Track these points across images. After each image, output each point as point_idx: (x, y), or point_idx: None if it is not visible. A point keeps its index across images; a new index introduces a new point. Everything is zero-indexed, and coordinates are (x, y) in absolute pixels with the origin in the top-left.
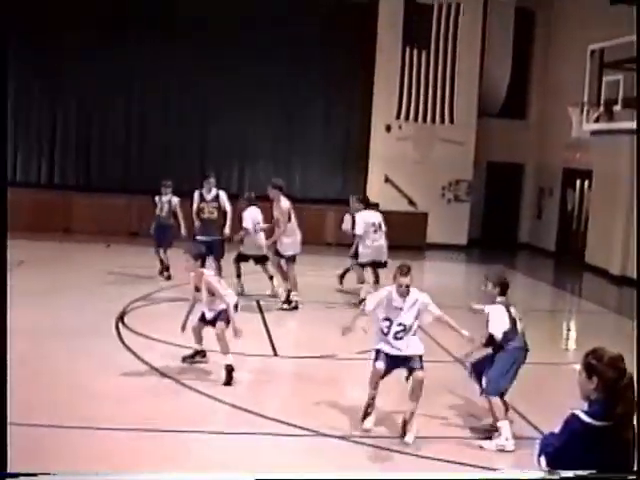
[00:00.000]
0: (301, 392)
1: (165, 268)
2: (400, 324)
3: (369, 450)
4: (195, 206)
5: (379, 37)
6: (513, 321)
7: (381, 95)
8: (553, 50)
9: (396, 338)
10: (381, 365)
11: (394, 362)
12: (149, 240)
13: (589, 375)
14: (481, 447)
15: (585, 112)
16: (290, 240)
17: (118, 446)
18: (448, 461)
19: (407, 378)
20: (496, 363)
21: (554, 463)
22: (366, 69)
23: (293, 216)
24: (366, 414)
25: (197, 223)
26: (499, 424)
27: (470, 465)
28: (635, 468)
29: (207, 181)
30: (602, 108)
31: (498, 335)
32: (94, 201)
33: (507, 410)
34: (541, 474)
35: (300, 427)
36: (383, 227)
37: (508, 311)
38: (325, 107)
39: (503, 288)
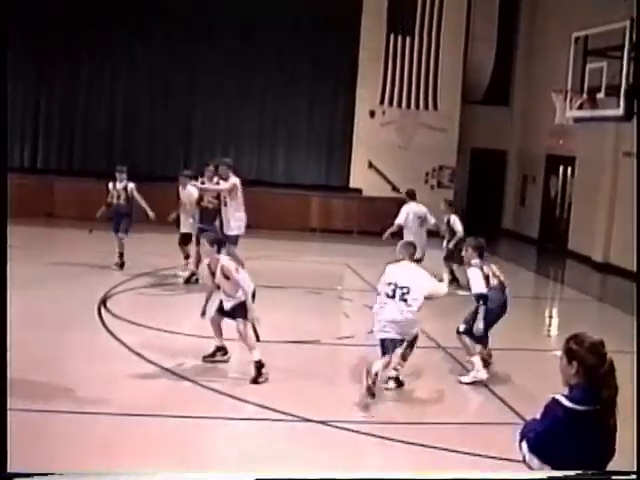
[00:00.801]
0: (284, 378)
1: (120, 256)
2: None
3: (351, 435)
4: (196, 195)
5: (363, 23)
6: (486, 278)
7: (365, 81)
8: (537, 37)
9: (403, 300)
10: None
11: None
12: (134, 225)
13: (569, 360)
14: (460, 381)
15: (568, 99)
16: (236, 220)
17: (103, 430)
18: (434, 447)
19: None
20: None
21: (536, 448)
22: (350, 55)
23: (240, 194)
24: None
25: (197, 211)
26: (472, 359)
27: (454, 451)
28: (635, 469)
29: (207, 169)
30: (585, 95)
31: (483, 291)
32: (77, 186)
33: (490, 356)
34: (542, 474)
35: (283, 412)
36: (429, 220)
37: (482, 271)
38: (309, 93)
39: (479, 251)
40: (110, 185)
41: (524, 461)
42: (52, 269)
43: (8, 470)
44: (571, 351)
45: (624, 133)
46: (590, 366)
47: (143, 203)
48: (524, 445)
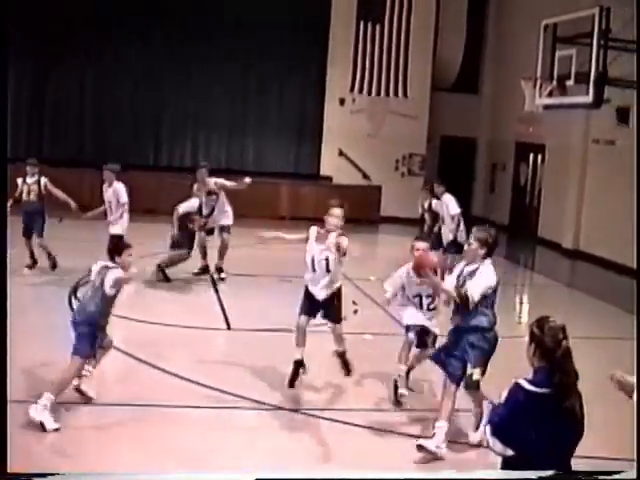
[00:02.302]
0: (255, 366)
1: (32, 256)
2: (429, 295)
3: (324, 423)
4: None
5: (333, 10)
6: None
7: (335, 68)
8: (506, 25)
9: (429, 309)
10: (412, 336)
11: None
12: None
13: (530, 342)
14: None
15: (538, 86)
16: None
17: (78, 421)
18: (410, 435)
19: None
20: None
21: (499, 432)
22: (320, 42)
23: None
24: (396, 388)
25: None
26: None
27: (417, 436)
28: (635, 469)
29: (199, 171)
30: (555, 83)
31: (476, 297)
32: (46, 175)
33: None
34: (541, 474)
35: (256, 400)
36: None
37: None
38: (279, 80)
39: (490, 250)
40: (19, 180)
41: (488, 446)
42: (20, 258)
43: (8, 470)
44: (532, 334)
45: (593, 120)
46: (546, 349)
47: (62, 195)
48: (487, 429)
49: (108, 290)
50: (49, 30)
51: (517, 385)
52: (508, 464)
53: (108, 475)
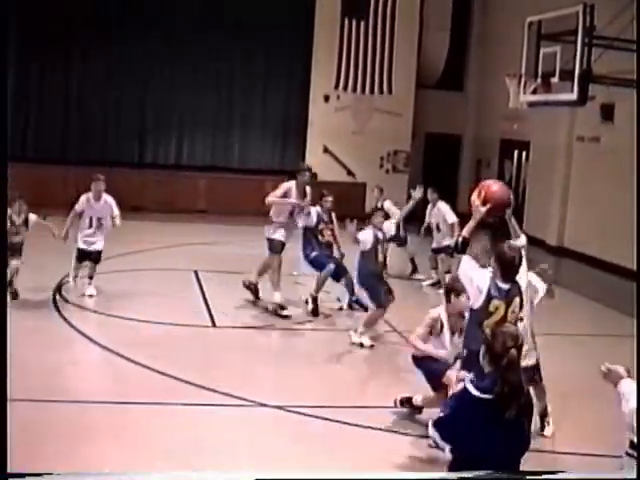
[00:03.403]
0: (241, 363)
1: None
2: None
3: (309, 420)
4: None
5: (318, 7)
6: None
7: (320, 65)
8: (491, 22)
9: None
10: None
11: None
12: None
13: (484, 344)
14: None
15: (522, 84)
16: None
17: (60, 418)
18: (393, 431)
19: None
20: None
21: (441, 427)
22: (305, 39)
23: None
24: None
25: None
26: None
27: (414, 435)
28: (635, 469)
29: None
30: (539, 80)
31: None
32: (30, 172)
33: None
34: (545, 475)
35: (240, 397)
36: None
37: None
38: (263, 77)
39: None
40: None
41: (429, 436)
42: None
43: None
44: (485, 337)
45: (578, 117)
46: (493, 354)
47: (49, 225)
48: (431, 422)
49: None
50: (31, 28)
51: (464, 387)
52: (453, 464)
53: (107, 475)
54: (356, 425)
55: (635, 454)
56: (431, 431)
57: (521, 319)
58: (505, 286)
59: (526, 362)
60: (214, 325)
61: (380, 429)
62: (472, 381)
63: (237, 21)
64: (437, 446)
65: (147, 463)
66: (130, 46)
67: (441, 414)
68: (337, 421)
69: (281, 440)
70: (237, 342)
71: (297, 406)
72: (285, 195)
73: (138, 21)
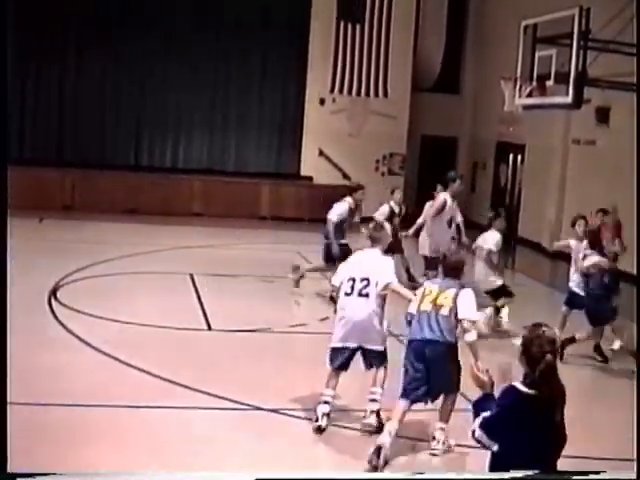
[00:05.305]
0: (236, 366)
1: None
2: None
3: (302, 423)
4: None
5: (314, 10)
6: None
7: (315, 68)
8: (487, 25)
9: None
10: None
11: None
12: (83, 214)
13: (521, 345)
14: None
15: (518, 86)
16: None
17: (53, 421)
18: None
19: None
20: None
21: (488, 427)
22: (300, 42)
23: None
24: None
25: None
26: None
27: (400, 437)
28: (635, 469)
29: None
30: (535, 83)
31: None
32: (27, 174)
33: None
34: (545, 475)
35: (235, 401)
36: None
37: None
38: (259, 80)
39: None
40: None
41: (473, 435)
42: None
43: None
44: (523, 337)
45: (574, 120)
46: (530, 357)
47: None
48: (477, 422)
49: None
50: (27, 30)
51: (511, 386)
52: (494, 462)
53: (108, 475)
54: (352, 429)
55: None
56: (478, 433)
57: None
58: None
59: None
60: (209, 328)
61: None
62: (520, 382)
63: (233, 24)
64: (483, 446)
65: (143, 466)
66: (126, 48)
67: (485, 415)
68: (335, 425)
69: (277, 443)
70: (232, 345)
71: (293, 409)
72: None
73: (136, 23)
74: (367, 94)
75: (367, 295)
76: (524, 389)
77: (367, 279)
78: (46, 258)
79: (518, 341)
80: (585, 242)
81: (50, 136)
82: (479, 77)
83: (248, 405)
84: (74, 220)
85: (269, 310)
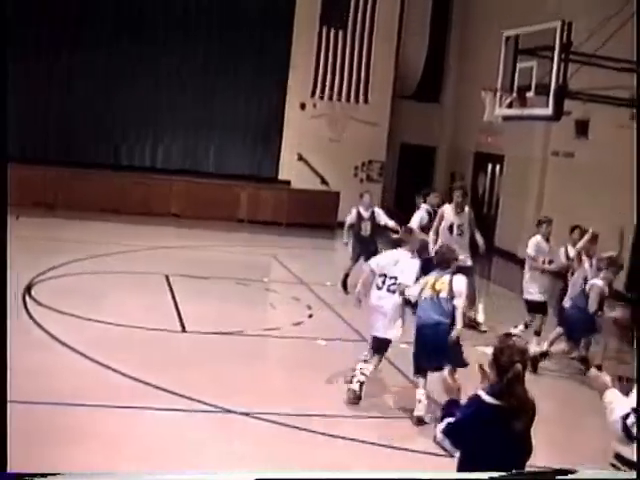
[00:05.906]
0: (207, 368)
1: None
2: None
3: (274, 427)
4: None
5: (296, 16)
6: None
7: (297, 73)
8: (469, 35)
9: None
10: None
11: None
12: (61, 212)
13: (492, 355)
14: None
15: (498, 97)
16: None
17: (29, 420)
18: (356, 440)
19: None
20: None
21: (451, 433)
22: (282, 47)
23: None
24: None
25: None
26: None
27: (381, 445)
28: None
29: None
30: (515, 94)
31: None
32: (9, 172)
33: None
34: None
35: (205, 403)
36: None
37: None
38: (240, 84)
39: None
40: None
41: (434, 440)
42: None
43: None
44: (494, 348)
45: (553, 132)
46: (499, 367)
47: None
48: (440, 426)
49: None
50: (12, 29)
51: (476, 396)
52: (459, 467)
53: (108, 475)
54: (323, 434)
55: (619, 465)
56: (440, 437)
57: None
58: None
59: None
60: (184, 330)
61: (346, 438)
62: (484, 388)
63: (216, 28)
64: (445, 451)
65: (114, 466)
66: (109, 49)
67: (449, 420)
68: (305, 429)
69: (249, 447)
70: (206, 347)
71: (264, 413)
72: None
73: (118, 23)
74: (348, 100)
75: (394, 292)
76: (488, 399)
77: (395, 277)
78: (21, 255)
79: (489, 350)
80: (588, 264)
81: (32, 135)
82: (460, 86)
83: (219, 408)
84: (51, 218)
85: (243, 313)
